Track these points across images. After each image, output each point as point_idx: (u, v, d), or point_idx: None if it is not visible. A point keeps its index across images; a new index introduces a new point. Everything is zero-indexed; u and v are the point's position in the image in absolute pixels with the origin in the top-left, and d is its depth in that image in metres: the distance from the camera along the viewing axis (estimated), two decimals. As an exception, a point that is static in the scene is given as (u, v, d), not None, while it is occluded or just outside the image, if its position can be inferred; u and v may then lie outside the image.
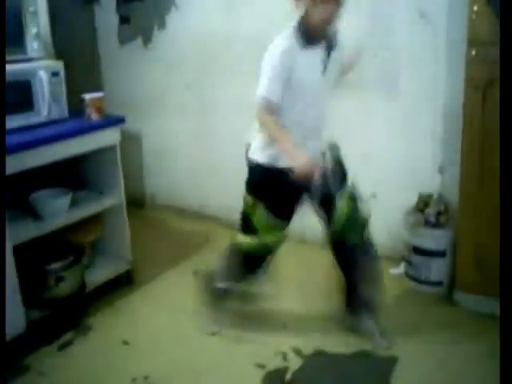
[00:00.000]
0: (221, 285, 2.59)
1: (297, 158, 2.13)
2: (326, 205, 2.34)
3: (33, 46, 2.64)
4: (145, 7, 3.76)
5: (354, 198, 2.34)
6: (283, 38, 2.17)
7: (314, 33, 2.16)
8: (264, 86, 2.16)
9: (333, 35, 2.24)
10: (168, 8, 3.66)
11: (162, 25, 3.74)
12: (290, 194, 2.34)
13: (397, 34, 2.90)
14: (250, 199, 2.40)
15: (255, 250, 2.44)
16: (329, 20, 2.12)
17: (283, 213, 2.38)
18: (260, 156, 2.33)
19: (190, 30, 3.60)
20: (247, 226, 2.44)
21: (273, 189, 2.32)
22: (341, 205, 2.30)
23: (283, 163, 2.22)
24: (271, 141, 2.24)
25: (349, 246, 2.39)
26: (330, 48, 2.22)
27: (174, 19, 3.67)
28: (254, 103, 2.21)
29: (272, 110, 2.18)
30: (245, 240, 2.46)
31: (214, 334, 2.60)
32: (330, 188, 2.28)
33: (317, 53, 2.20)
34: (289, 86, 2.15)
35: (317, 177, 2.16)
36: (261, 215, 2.36)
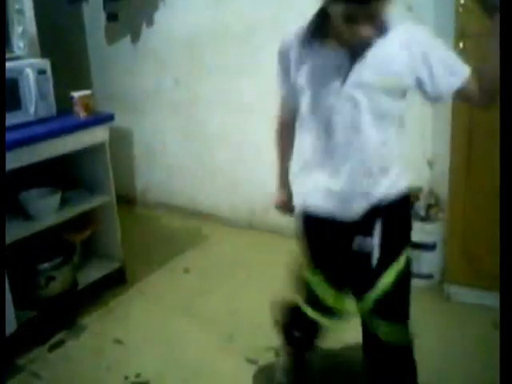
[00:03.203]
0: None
1: (275, 192, 1.95)
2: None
3: (19, 44, 2.63)
4: (132, 5, 3.74)
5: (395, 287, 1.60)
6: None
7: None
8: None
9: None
10: (156, 5, 3.64)
11: (150, 22, 3.72)
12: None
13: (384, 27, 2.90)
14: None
15: None
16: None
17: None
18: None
19: (178, 26, 3.59)
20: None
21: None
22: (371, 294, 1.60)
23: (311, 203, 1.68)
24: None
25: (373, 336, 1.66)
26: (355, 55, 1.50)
27: (162, 16, 3.66)
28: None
29: (283, 119, 1.81)
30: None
31: None
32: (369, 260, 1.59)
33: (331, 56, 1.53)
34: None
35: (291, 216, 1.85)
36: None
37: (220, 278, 3.09)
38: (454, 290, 2.73)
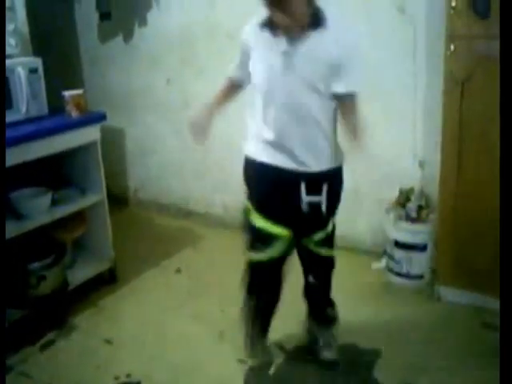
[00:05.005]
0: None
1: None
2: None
3: (10, 42, 2.62)
4: (125, 4, 3.73)
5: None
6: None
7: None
8: None
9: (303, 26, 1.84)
10: (149, 4, 3.63)
11: (143, 21, 3.71)
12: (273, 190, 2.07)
13: (376, 30, 2.90)
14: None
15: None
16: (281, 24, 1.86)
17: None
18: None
19: (171, 26, 3.58)
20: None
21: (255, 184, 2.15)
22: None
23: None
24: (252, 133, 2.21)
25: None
26: (294, 41, 1.86)
27: (155, 15, 3.65)
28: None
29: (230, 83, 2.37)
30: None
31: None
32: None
33: (276, 43, 1.90)
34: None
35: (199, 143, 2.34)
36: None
37: (212, 279, 3.08)
38: (445, 291, 2.74)
